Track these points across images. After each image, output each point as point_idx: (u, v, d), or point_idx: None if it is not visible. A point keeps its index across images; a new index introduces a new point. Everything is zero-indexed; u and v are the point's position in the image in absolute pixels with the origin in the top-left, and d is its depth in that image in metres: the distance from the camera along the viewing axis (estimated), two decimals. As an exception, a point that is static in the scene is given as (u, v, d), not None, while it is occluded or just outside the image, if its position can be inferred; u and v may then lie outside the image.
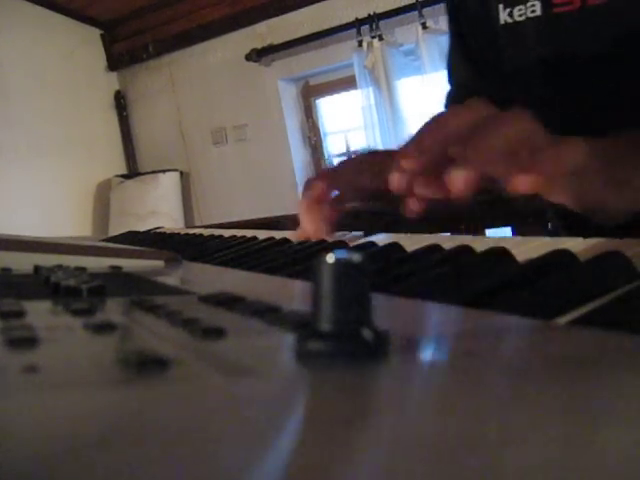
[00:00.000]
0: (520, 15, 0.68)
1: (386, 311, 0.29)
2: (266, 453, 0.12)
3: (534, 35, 0.69)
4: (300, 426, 0.14)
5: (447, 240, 0.48)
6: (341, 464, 0.12)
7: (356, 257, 0.19)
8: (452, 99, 0.88)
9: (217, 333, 0.21)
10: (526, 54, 0.71)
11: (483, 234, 1.75)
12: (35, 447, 0.12)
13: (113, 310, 0.28)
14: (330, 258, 0.19)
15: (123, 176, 4.18)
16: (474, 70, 0.83)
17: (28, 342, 0.20)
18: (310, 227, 0.64)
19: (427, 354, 0.20)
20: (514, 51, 0.73)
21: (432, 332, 0.25)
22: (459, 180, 0.44)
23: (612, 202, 0.48)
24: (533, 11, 0.67)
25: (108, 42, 4.23)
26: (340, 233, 0.67)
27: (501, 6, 0.69)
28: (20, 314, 0.25)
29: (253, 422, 0.14)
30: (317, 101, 3.79)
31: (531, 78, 0.72)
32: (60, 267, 0.43)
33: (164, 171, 4.03)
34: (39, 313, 0.26)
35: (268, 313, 0.25)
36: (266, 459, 0.12)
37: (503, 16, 0.70)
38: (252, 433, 0.13)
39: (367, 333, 0.18)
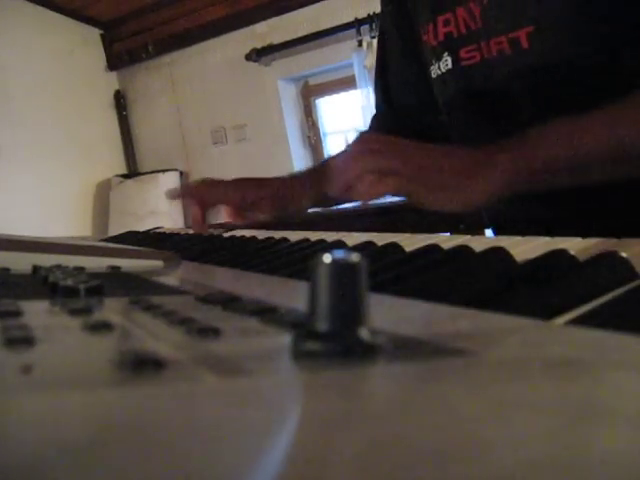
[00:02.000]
0: (440, 68, 0.83)
1: (384, 311, 0.29)
2: (261, 453, 0.12)
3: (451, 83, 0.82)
4: (295, 426, 0.14)
5: (446, 240, 0.47)
6: (336, 464, 0.12)
7: (353, 257, 0.19)
8: (375, 119, 1.04)
9: (213, 333, 0.21)
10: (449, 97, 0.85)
11: (482, 234, 1.74)
12: (31, 447, 0.12)
13: (110, 310, 0.28)
14: (327, 258, 0.19)
15: (123, 176, 4.18)
16: (389, 102, 0.99)
17: (25, 342, 0.20)
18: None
19: (424, 354, 0.20)
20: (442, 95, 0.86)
21: (429, 332, 0.25)
22: None
23: (438, 203, 0.61)
24: (446, 65, 0.81)
25: (108, 42, 4.23)
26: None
27: (434, 60, 0.83)
28: (17, 314, 0.25)
29: (248, 422, 0.14)
30: (317, 101, 3.79)
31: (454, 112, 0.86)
32: (59, 267, 0.43)
33: (164, 171, 4.03)
34: (36, 313, 0.26)
35: (265, 313, 0.25)
36: (261, 459, 0.12)
37: (434, 69, 0.84)
38: (247, 433, 0.13)
39: (363, 333, 0.18)
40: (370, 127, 1.04)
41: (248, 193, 0.93)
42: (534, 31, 0.71)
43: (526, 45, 0.72)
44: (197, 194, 0.94)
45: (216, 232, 0.89)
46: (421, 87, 0.92)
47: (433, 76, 0.84)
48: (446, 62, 0.81)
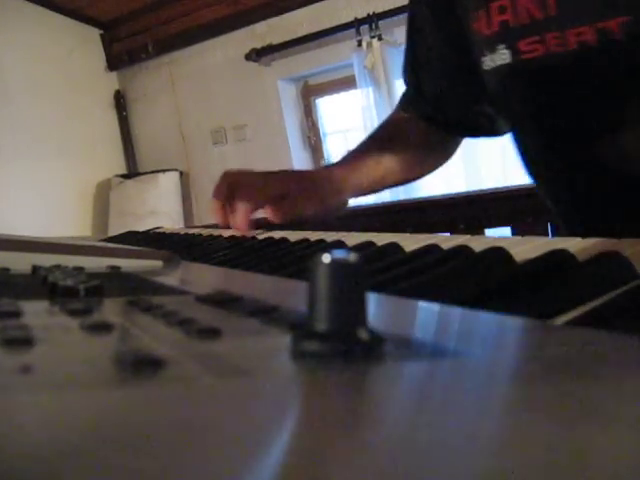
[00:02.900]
0: (494, 60, 0.75)
1: (383, 311, 0.29)
2: (260, 454, 0.12)
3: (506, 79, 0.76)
4: (294, 427, 0.14)
5: (446, 240, 0.47)
6: (336, 465, 0.12)
7: (352, 257, 0.19)
8: (406, 100, 0.99)
9: (213, 333, 0.21)
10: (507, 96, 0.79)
11: (482, 234, 1.75)
12: (29, 448, 0.12)
13: (110, 310, 0.28)
14: (326, 258, 0.19)
15: (123, 176, 4.18)
16: (425, 88, 0.93)
17: (23, 342, 0.20)
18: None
19: (423, 355, 0.20)
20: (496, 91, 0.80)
21: (429, 332, 0.25)
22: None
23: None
24: (503, 58, 0.73)
25: (108, 42, 4.23)
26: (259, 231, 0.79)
27: (487, 51, 0.76)
28: (16, 314, 0.25)
29: (247, 422, 0.14)
30: (317, 101, 3.79)
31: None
32: (58, 267, 0.43)
33: (164, 171, 4.03)
34: (35, 313, 0.26)
35: (265, 313, 0.25)
36: (260, 460, 0.12)
37: (487, 61, 0.76)
38: (246, 434, 0.13)
39: (363, 333, 0.18)
40: (401, 109, 0.99)
41: (292, 186, 0.84)
42: (630, 21, 0.63)
43: (619, 36, 0.64)
44: (246, 192, 0.82)
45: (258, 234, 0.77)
46: (456, 76, 0.88)
47: (485, 68, 0.77)
48: (503, 55, 0.73)
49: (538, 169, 0.80)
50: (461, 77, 0.87)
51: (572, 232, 0.74)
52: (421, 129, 0.96)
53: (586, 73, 0.69)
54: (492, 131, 0.91)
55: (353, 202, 0.98)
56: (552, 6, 0.68)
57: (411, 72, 0.95)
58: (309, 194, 0.85)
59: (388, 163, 0.95)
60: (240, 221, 0.80)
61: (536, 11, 0.70)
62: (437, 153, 1.01)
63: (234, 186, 0.84)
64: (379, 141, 0.98)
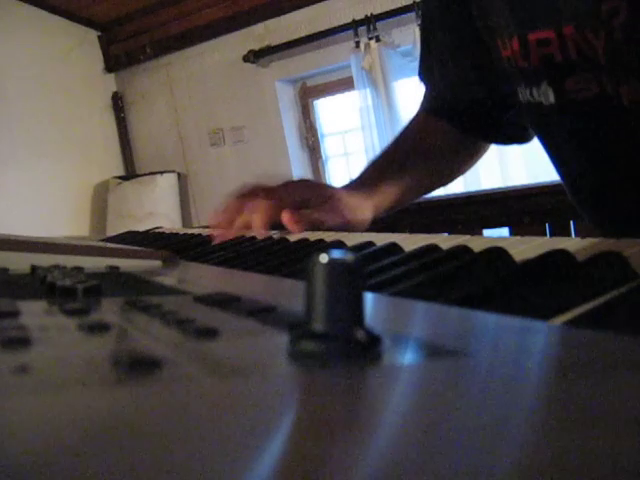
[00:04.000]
0: (534, 95, 0.68)
1: (381, 311, 0.29)
2: (258, 454, 0.12)
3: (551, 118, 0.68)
4: (292, 427, 0.14)
5: (445, 240, 0.47)
6: (333, 465, 0.11)
7: (349, 257, 0.19)
8: (429, 102, 0.93)
9: (210, 333, 0.21)
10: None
11: (480, 234, 1.75)
12: (25, 448, 0.12)
13: (108, 310, 0.28)
14: (323, 258, 0.19)
15: (121, 177, 4.18)
16: (448, 90, 0.87)
17: (21, 342, 0.20)
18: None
19: (421, 355, 0.20)
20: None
21: (427, 333, 0.25)
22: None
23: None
24: (547, 98, 0.66)
25: (105, 43, 4.23)
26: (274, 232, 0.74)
27: (524, 84, 0.69)
28: (14, 314, 0.25)
29: (245, 422, 0.14)
30: (315, 102, 3.79)
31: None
32: (57, 267, 0.43)
33: (162, 172, 4.03)
34: (34, 313, 0.26)
35: (263, 313, 0.25)
36: (258, 460, 0.12)
37: (523, 93, 0.70)
38: (244, 434, 0.13)
39: (360, 334, 0.18)
40: (424, 107, 0.93)
41: (312, 195, 0.78)
42: None
43: None
44: (264, 201, 0.75)
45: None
46: (486, 84, 0.82)
47: (521, 99, 0.70)
48: (546, 94, 0.66)
49: (570, 178, 0.75)
50: (480, 88, 0.83)
51: (603, 233, 0.71)
52: (443, 132, 0.91)
53: (633, 131, 0.62)
54: (520, 139, 0.87)
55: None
56: (601, 55, 0.60)
57: (439, 73, 0.89)
58: (330, 207, 0.78)
59: (410, 175, 0.90)
60: (262, 218, 0.74)
61: (589, 50, 0.60)
62: (461, 157, 0.96)
63: (254, 191, 0.79)
64: (401, 151, 0.93)
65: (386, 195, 0.87)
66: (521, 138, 0.87)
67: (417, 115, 0.96)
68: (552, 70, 0.64)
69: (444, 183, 0.99)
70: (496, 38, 0.70)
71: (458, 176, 0.99)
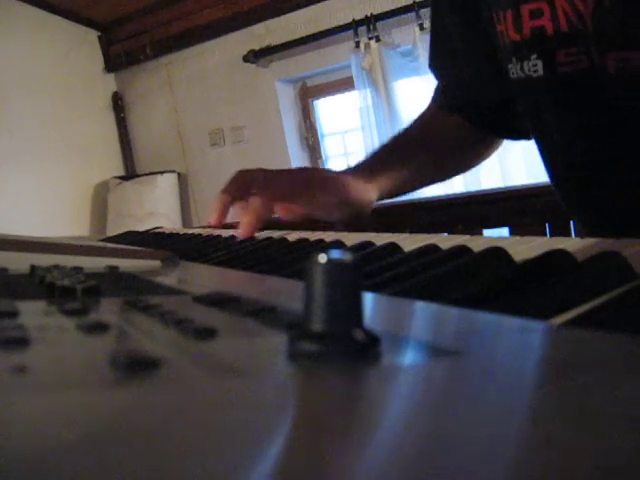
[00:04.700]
0: (524, 70, 0.68)
1: (380, 311, 0.29)
2: (255, 454, 0.12)
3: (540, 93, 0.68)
4: (290, 428, 0.14)
5: (444, 240, 0.47)
6: (333, 466, 0.11)
7: (348, 257, 0.19)
8: (440, 96, 0.92)
9: (209, 333, 0.21)
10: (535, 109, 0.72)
11: (480, 234, 1.75)
12: (24, 448, 0.12)
13: (107, 310, 0.28)
14: (322, 258, 0.19)
15: (121, 178, 4.18)
16: (459, 84, 0.87)
17: (19, 342, 0.20)
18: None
19: (420, 355, 0.20)
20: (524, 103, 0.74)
21: (426, 333, 0.25)
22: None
23: None
24: (536, 71, 0.66)
25: (105, 44, 4.23)
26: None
27: (515, 58, 0.68)
28: (13, 314, 0.25)
29: (243, 423, 0.14)
30: (315, 102, 3.79)
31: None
32: (56, 267, 0.43)
33: (162, 172, 4.03)
34: (33, 313, 0.26)
35: (262, 313, 0.25)
36: (256, 460, 0.12)
37: (514, 68, 0.69)
38: (242, 434, 0.13)
39: (359, 334, 0.18)
40: (435, 101, 0.92)
41: (302, 184, 0.77)
42: None
43: None
44: (261, 188, 0.76)
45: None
46: (487, 80, 0.81)
47: (512, 76, 0.69)
48: (535, 66, 0.66)
49: (558, 173, 0.75)
50: (491, 79, 0.81)
51: (593, 234, 0.69)
52: (454, 125, 0.89)
53: (627, 99, 0.61)
54: (521, 135, 0.85)
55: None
56: (588, 22, 0.60)
57: (451, 66, 0.88)
58: (333, 188, 0.78)
59: (414, 164, 0.89)
60: (250, 218, 0.73)
61: (578, 21, 0.61)
62: (470, 151, 0.95)
63: (248, 182, 0.79)
64: (407, 140, 0.92)
65: (388, 180, 0.87)
66: (526, 135, 0.85)
67: (428, 107, 0.95)
68: (543, 43, 0.64)
69: (449, 176, 0.98)
70: (492, 13, 0.71)
71: (466, 170, 0.98)
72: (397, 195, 0.91)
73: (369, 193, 0.84)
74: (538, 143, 0.76)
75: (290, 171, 0.84)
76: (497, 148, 0.95)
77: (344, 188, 0.80)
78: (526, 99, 0.73)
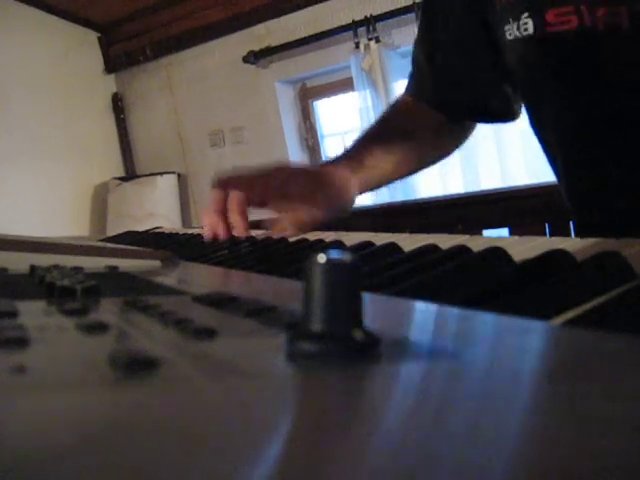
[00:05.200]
0: (518, 30, 0.68)
1: (380, 312, 0.28)
2: (255, 455, 0.12)
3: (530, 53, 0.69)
4: (289, 428, 0.14)
5: (444, 240, 0.47)
6: (331, 466, 0.11)
7: (347, 257, 0.19)
8: (413, 86, 0.93)
9: (208, 333, 0.21)
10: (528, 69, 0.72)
11: (480, 234, 1.75)
12: (23, 448, 0.12)
13: (106, 310, 0.28)
14: (321, 258, 0.19)
15: (120, 178, 4.18)
16: (433, 73, 0.87)
17: (18, 342, 0.20)
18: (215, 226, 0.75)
19: (420, 355, 0.20)
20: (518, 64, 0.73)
21: (426, 333, 0.25)
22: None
23: None
24: (526, 29, 0.66)
25: (105, 44, 4.23)
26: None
27: (511, 19, 0.68)
28: (13, 314, 0.25)
29: (242, 423, 0.14)
30: (314, 103, 3.79)
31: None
32: (56, 267, 0.43)
33: (161, 173, 4.03)
34: (32, 313, 0.26)
35: (261, 313, 0.25)
36: (255, 461, 0.12)
37: (509, 30, 0.69)
38: (241, 434, 0.13)
39: (358, 334, 0.18)
40: (409, 90, 0.93)
41: (292, 187, 0.75)
42: None
43: None
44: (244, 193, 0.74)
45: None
46: (475, 53, 0.80)
47: (508, 37, 0.69)
48: (525, 25, 0.66)
49: (554, 152, 0.75)
50: (480, 54, 0.80)
51: (587, 231, 0.69)
52: (429, 114, 0.89)
53: (616, 57, 0.62)
54: (506, 115, 0.85)
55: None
56: None
57: (423, 52, 0.88)
58: (312, 196, 0.76)
59: (396, 153, 0.89)
60: (239, 222, 0.73)
61: None
62: (446, 139, 0.95)
63: (230, 187, 0.77)
64: (385, 130, 0.92)
65: (372, 171, 0.86)
66: (507, 114, 0.85)
67: (401, 96, 0.96)
68: (534, 2, 0.65)
69: (429, 163, 0.97)
70: None
71: (445, 157, 0.97)
72: (378, 187, 0.91)
73: (353, 190, 0.83)
74: (530, 117, 0.76)
75: (275, 172, 0.80)
76: (472, 130, 0.95)
77: (337, 188, 0.79)
78: (520, 64, 0.73)
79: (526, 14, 0.66)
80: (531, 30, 0.65)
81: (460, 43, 0.83)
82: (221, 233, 0.75)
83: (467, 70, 0.83)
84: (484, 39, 0.77)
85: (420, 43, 0.90)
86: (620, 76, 0.63)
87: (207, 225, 0.76)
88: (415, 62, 0.92)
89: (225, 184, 0.77)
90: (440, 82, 0.87)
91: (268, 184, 0.77)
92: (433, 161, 0.97)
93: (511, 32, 0.69)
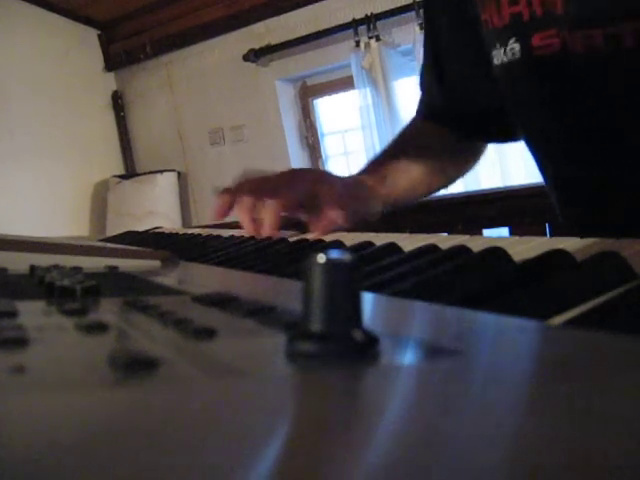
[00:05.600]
0: (505, 55, 0.70)
1: (379, 312, 0.28)
2: (254, 454, 0.12)
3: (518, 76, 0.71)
4: (288, 428, 0.14)
5: (444, 240, 0.47)
6: (331, 466, 0.11)
7: (347, 257, 0.19)
8: (424, 108, 0.94)
9: (208, 333, 0.21)
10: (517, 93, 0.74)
11: (480, 234, 1.75)
12: (22, 448, 0.12)
13: (106, 310, 0.28)
14: (321, 258, 0.19)
15: (120, 176, 4.17)
16: (443, 93, 0.88)
17: (18, 342, 0.20)
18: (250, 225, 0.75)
19: (419, 355, 0.20)
20: (507, 90, 0.76)
21: (425, 333, 0.25)
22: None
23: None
24: (513, 54, 0.68)
25: (105, 42, 4.23)
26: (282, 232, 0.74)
27: (498, 44, 0.71)
28: (12, 314, 0.25)
29: (241, 423, 0.14)
30: (315, 101, 3.79)
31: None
32: (56, 267, 0.43)
33: (161, 171, 4.03)
34: (32, 313, 0.26)
35: (261, 313, 0.25)
36: (254, 461, 0.12)
37: (497, 55, 0.71)
38: (241, 434, 0.13)
39: (357, 334, 0.18)
40: (420, 113, 0.94)
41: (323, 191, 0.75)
42: None
43: (631, 44, 0.59)
44: (276, 192, 0.74)
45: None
46: (475, 76, 0.82)
47: (495, 62, 0.72)
48: (512, 50, 0.68)
49: (544, 164, 0.77)
50: (480, 77, 0.81)
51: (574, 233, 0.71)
52: (442, 134, 0.91)
53: (597, 78, 0.64)
54: (510, 135, 0.86)
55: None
56: (560, 4, 0.63)
57: (434, 76, 0.89)
58: (341, 202, 0.75)
59: (416, 172, 0.90)
60: (270, 220, 0.72)
61: (550, 5, 0.64)
62: (460, 160, 0.96)
63: (260, 185, 0.77)
64: (404, 149, 0.92)
65: (392, 188, 0.87)
66: (515, 134, 0.85)
67: (413, 119, 0.97)
68: (520, 27, 0.67)
69: (446, 184, 0.98)
70: (477, 3, 0.73)
71: (458, 178, 0.99)
72: (399, 204, 0.91)
73: (378, 200, 0.84)
74: (524, 138, 0.78)
75: (297, 176, 0.81)
76: (484, 151, 0.97)
77: (364, 196, 0.81)
78: (509, 88, 0.75)
79: (513, 39, 0.68)
80: (518, 55, 0.68)
81: (464, 69, 0.85)
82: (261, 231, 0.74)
83: (475, 91, 0.85)
84: (486, 63, 0.78)
85: (427, 68, 0.91)
86: (602, 94, 0.65)
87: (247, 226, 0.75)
88: (423, 86, 0.93)
89: (249, 189, 0.77)
90: (450, 102, 0.88)
91: (296, 190, 0.76)
92: (452, 179, 0.98)
93: (498, 57, 0.71)
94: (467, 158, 0.97)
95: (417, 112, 0.95)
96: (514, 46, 0.68)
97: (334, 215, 0.72)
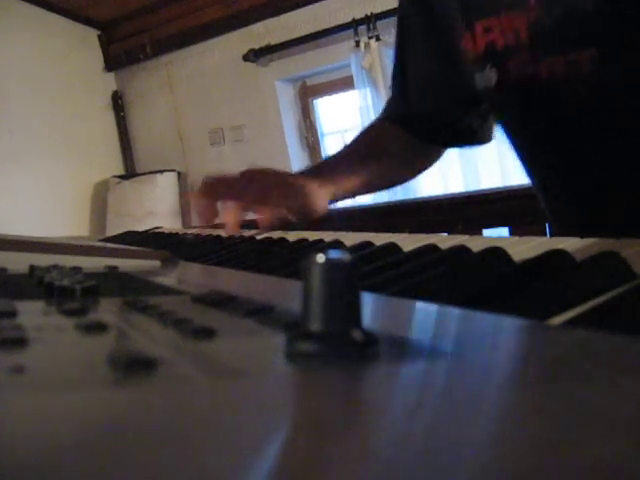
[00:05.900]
0: (484, 80, 0.75)
1: (378, 311, 0.28)
2: (254, 454, 0.12)
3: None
4: (288, 428, 0.14)
5: (444, 240, 0.47)
6: (330, 466, 0.11)
7: (346, 257, 0.19)
8: (387, 109, 1.00)
9: (207, 333, 0.21)
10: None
11: (480, 234, 1.75)
12: (21, 448, 0.12)
13: (105, 310, 0.28)
14: (320, 258, 0.19)
15: (120, 177, 4.18)
16: (405, 98, 0.94)
17: (17, 342, 0.20)
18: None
19: (419, 355, 0.20)
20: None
21: (425, 333, 0.25)
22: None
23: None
24: (490, 80, 0.73)
25: (105, 43, 4.23)
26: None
27: (477, 70, 0.75)
28: (12, 314, 0.25)
29: (241, 423, 0.14)
30: (315, 101, 3.79)
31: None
32: (55, 267, 0.43)
33: (161, 171, 4.03)
34: (31, 313, 0.26)
35: (260, 313, 0.25)
36: (254, 460, 0.12)
37: (478, 79, 0.76)
38: (240, 434, 0.13)
39: (357, 334, 0.18)
40: (385, 117, 0.99)
41: (270, 192, 0.82)
42: (598, 55, 0.63)
43: (588, 70, 0.64)
44: (231, 194, 0.82)
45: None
46: (443, 89, 0.88)
47: (478, 87, 0.77)
48: (490, 77, 0.73)
49: (532, 170, 0.81)
50: (447, 90, 0.87)
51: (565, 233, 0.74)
52: (403, 136, 0.95)
53: (559, 101, 0.70)
54: (474, 140, 0.92)
55: (351, 202, 0.96)
56: (525, 34, 0.68)
57: (398, 81, 0.95)
58: (291, 198, 0.83)
59: (364, 172, 0.95)
60: (230, 220, 0.81)
61: (520, 33, 0.69)
62: (419, 160, 1.01)
63: (221, 185, 0.85)
64: (356, 152, 0.97)
65: (338, 186, 0.91)
66: (478, 139, 0.91)
67: (376, 119, 1.02)
68: (494, 55, 0.72)
69: (395, 184, 1.05)
70: (455, 30, 0.78)
71: (412, 178, 1.03)
72: (344, 199, 0.96)
73: (322, 199, 0.88)
74: (514, 150, 0.82)
75: (251, 176, 0.87)
76: (442, 154, 1.01)
77: (306, 194, 0.85)
78: (493, 109, 0.81)
79: (488, 66, 0.73)
80: (494, 80, 0.73)
81: (428, 74, 0.90)
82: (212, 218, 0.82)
83: (434, 96, 0.90)
84: (451, 79, 0.84)
85: (395, 70, 0.97)
86: (570, 115, 0.70)
87: (200, 212, 0.83)
88: (394, 90, 0.99)
89: (210, 188, 0.84)
90: (409, 107, 0.94)
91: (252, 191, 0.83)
92: (403, 179, 1.03)
93: (479, 82, 0.76)
94: (425, 157, 1.01)
95: (381, 112, 1.01)
96: (491, 72, 0.73)
97: (262, 213, 0.79)
